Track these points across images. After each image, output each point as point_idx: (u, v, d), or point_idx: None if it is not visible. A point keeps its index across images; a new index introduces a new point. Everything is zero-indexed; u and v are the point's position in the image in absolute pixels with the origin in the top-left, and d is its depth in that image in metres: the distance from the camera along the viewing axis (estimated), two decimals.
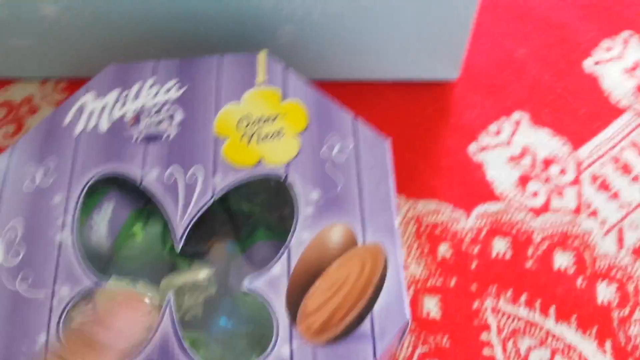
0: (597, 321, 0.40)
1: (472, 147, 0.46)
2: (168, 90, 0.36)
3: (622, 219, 0.44)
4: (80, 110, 0.36)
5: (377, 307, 0.29)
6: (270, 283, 0.30)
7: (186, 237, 0.32)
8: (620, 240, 0.43)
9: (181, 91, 0.36)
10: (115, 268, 0.34)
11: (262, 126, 0.35)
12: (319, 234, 0.31)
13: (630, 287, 0.41)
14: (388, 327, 0.29)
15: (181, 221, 0.32)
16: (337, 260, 0.30)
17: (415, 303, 0.41)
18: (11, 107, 0.49)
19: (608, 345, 0.40)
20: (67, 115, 0.36)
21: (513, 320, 0.40)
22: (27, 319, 0.30)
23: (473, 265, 0.42)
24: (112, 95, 0.36)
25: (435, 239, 0.43)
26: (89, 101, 0.36)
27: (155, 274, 0.34)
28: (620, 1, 0.52)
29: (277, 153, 0.34)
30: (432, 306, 0.41)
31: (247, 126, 0.35)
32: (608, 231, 0.43)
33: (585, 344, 0.40)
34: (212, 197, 0.33)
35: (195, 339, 0.32)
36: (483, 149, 0.46)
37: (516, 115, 0.48)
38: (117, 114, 0.36)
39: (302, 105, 0.35)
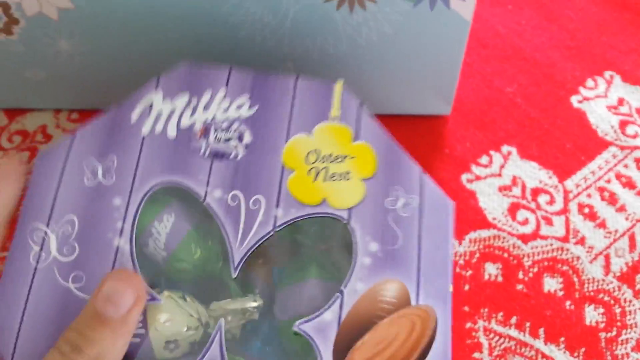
0: (585, 343, 0.42)
1: (465, 177, 0.49)
2: (239, 106, 0.35)
3: (608, 246, 0.46)
4: (148, 109, 0.35)
5: None
6: (319, 328, 0.30)
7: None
8: (607, 266, 0.45)
9: (253, 110, 0.35)
10: (167, 281, 0.34)
11: (330, 165, 0.34)
12: (375, 286, 0.31)
13: (617, 310, 0.43)
14: None
15: (240, 247, 0.32)
16: (389, 317, 0.30)
17: None
18: (26, 135, 0.51)
19: None
20: (134, 111, 0.35)
21: (504, 340, 0.42)
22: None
23: (466, 288, 0.44)
24: (182, 100, 0.35)
25: None
26: (157, 101, 0.35)
27: (205, 292, 0.35)
28: (602, 44, 0.55)
29: (342, 195, 0.33)
30: None
31: (315, 162, 0.34)
32: (595, 257, 0.45)
33: None
34: (272, 229, 0.32)
35: None
36: (475, 179, 0.49)
37: (505, 148, 0.50)
38: (186, 121, 0.35)
39: (373, 149, 0.35)
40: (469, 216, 0.47)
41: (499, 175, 0.49)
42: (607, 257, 0.45)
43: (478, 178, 0.49)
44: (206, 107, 0.35)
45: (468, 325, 0.42)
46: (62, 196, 0.33)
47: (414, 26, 0.44)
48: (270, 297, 0.36)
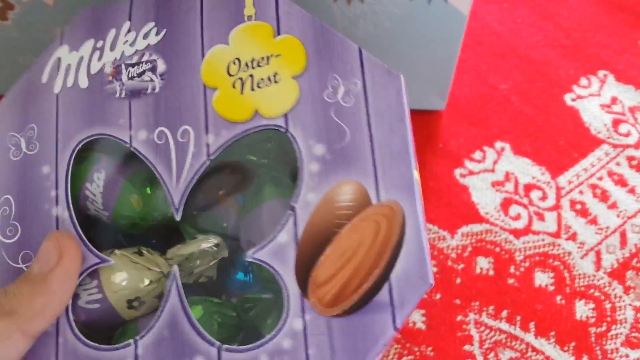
0: (575, 337, 0.42)
1: (458, 172, 0.49)
2: (146, 35, 0.32)
3: (600, 242, 0.46)
4: (57, 66, 0.33)
5: (395, 272, 0.26)
6: (276, 252, 0.28)
7: (192, 192, 0.30)
8: (598, 262, 0.45)
9: (160, 35, 0.32)
10: (126, 238, 0.34)
11: (255, 70, 0.30)
12: (327, 194, 0.28)
13: (607, 306, 0.43)
14: (409, 293, 0.26)
15: (177, 186, 0.30)
16: (349, 224, 0.27)
17: None
18: None
19: (585, 359, 0.41)
20: (43, 72, 0.33)
21: (495, 333, 0.42)
22: None
23: (457, 281, 0.44)
24: (87, 47, 0.33)
25: None
26: (63, 55, 0.33)
27: (164, 241, 0.33)
28: (596, 43, 0.55)
29: (274, 101, 0.30)
30: (417, 318, 0.42)
31: (237, 72, 0.30)
32: (586, 253, 0.45)
33: (564, 358, 0.41)
34: (207, 159, 0.30)
35: (207, 307, 0.31)
36: (468, 173, 0.49)
37: (499, 144, 0.50)
38: (95, 67, 0.32)
39: (299, 39, 0.31)
40: (462, 210, 0.47)
41: (492, 170, 0.49)
42: (598, 253, 0.45)
43: (471, 173, 0.49)
44: (112, 47, 0.33)
45: (459, 318, 0.42)
46: None
47: (411, 20, 0.44)
48: (239, 230, 0.33)
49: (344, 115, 0.29)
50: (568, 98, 0.53)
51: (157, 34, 0.33)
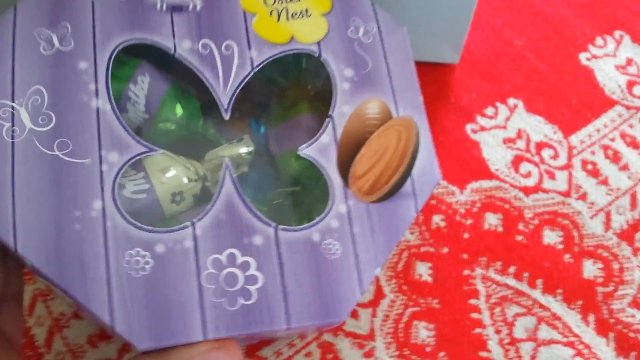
0: (581, 295, 0.42)
1: (469, 127, 0.48)
2: None
3: (610, 203, 0.45)
4: None
5: (414, 170, 0.33)
6: (321, 150, 0.33)
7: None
8: (607, 223, 0.45)
9: None
10: (153, 142, 0.34)
11: (289, 4, 0.35)
12: (358, 107, 0.34)
13: (615, 266, 0.43)
14: (425, 186, 0.33)
15: (225, 91, 0.33)
16: (377, 131, 0.34)
17: (408, 267, 0.42)
18: None
19: (591, 317, 0.41)
20: None
21: (501, 288, 0.42)
22: (75, 184, 0.30)
23: (465, 236, 0.43)
24: None
25: (430, 208, 0.44)
26: None
27: (191, 150, 0.35)
28: (614, 3, 0.54)
29: (307, 31, 0.35)
30: (424, 271, 0.42)
31: (273, 4, 0.35)
32: (596, 213, 0.45)
33: (570, 316, 0.41)
34: (252, 69, 0.33)
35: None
36: (480, 129, 0.48)
37: (512, 101, 0.49)
38: None
39: None
40: (472, 166, 0.46)
41: (504, 127, 0.48)
42: (607, 214, 0.45)
43: (483, 129, 0.48)
44: None
45: (466, 272, 0.42)
46: (20, 69, 0.32)
47: None
48: (260, 144, 0.38)
49: (365, 48, 0.35)
50: (583, 57, 0.52)
51: None
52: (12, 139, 0.30)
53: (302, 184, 0.37)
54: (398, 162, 0.33)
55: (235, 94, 0.33)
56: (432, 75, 0.50)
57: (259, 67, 0.34)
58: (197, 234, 0.30)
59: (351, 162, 0.33)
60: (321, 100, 0.37)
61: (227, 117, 0.33)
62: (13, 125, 0.31)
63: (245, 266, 0.30)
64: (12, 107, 0.31)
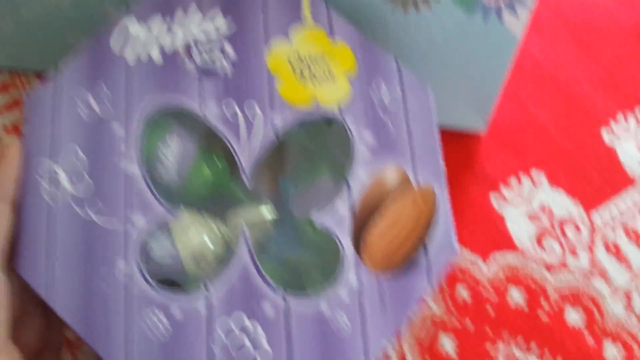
0: None
1: (494, 197, 0.48)
2: (213, 19, 0.35)
3: (631, 284, 0.45)
4: (126, 36, 0.35)
5: (430, 242, 0.33)
6: (335, 218, 0.33)
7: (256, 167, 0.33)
8: (629, 304, 0.44)
9: (228, 22, 0.35)
10: (182, 203, 0.35)
11: (313, 66, 0.35)
12: (377, 175, 0.33)
13: (636, 348, 0.42)
14: (440, 260, 0.32)
15: (247, 157, 0.33)
16: (394, 200, 0.33)
17: (434, 339, 0.41)
18: None
19: None
20: (112, 38, 0.35)
21: None
22: (103, 244, 0.31)
23: (489, 310, 0.43)
24: (156, 21, 0.35)
25: (455, 279, 0.44)
26: (131, 25, 0.35)
27: (220, 208, 0.36)
28: (636, 81, 0.55)
29: (330, 94, 0.34)
30: (448, 343, 0.41)
31: (298, 65, 0.35)
32: (618, 294, 0.44)
33: None
34: (274, 135, 0.33)
35: (265, 264, 0.33)
36: (504, 200, 0.48)
37: (535, 173, 0.49)
38: (167, 44, 0.35)
39: (349, 46, 0.36)
40: (496, 238, 0.46)
41: (528, 200, 0.48)
42: (628, 295, 0.45)
43: (507, 200, 0.48)
44: (182, 25, 0.35)
45: (487, 345, 0.41)
46: (60, 131, 0.33)
47: (464, 36, 0.43)
48: (278, 209, 0.37)
49: (387, 111, 0.35)
50: (605, 133, 0.52)
51: (224, 19, 0.35)
52: (50, 199, 0.32)
53: (319, 249, 0.37)
54: (413, 234, 0.32)
55: (258, 163, 0.33)
56: (457, 143, 0.50)
57: (282, 132, 0.34)
58: (211, 300, 0.31)
59: (366, 231, 0.32)
60: (343, 162, 0.37)
61: (249, 185, 0.33)
62: (51, 186, 0.32)
63: (254, 336, 0.31)
64: (52, 168, 0.32)
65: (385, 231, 0.32)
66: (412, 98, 0.35)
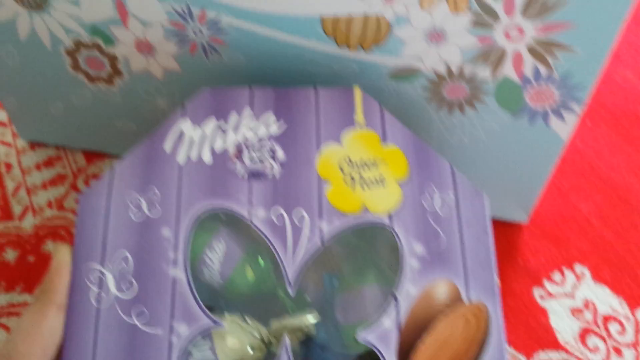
0: None
1: (537, 292, 0.48)
2: (267, 124, 0.36)
3: None
4: (179, 137, 0.35)
5: None
6: (380, 334, 0.31)
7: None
8: None
9: (280, 126, 0.36)
10: (226, 304, 0.36)
11: (364, 171, 0.34)
12: (427, 288, 0.32)
13: None
14: None
15: (291, 264, 0.33)
16: (445, 317, 0.32)
17: None
18: None
19: None
20: (166, 140, 0.35)
21: None
22: (147, 352, 0.31)
23: None
24: (210, 124, 0.36)
25: None
26: (186, 128, 0.36)
27: (262, 311, 0.36)
28: None
29: (380, 201, 0.34)
30: None
31: (349, 170, 0.34)
32: None
33: None
34: (321, 243, 0.33)
35: None
36: (547, 295, 0.48)
37: (578, 267, 0.49)
38: (218, 145, 0.35)
39: (402, 150, 0.35)
40: (540, 334, 0.46)
41: (572, 296, 0.48)
42: None
43: (550, 295, 0.48)
44: (235, 129, 0.36)
45: None
46: (111, 233, 0.33)
47: (509, 137, 0.44)
48: (321, 303, 0.37)
49: (440, 221, 0.34)
50: None
51: (276, 124, 0.36)
52: (98, 304, 0.32)
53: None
54: (463, 354, 0.31)
55: (303, 270, 0.33)
56: (500, 234, 0.50)
57: (328, 242, 0.33)
58: None
59: (413, 349, 0.31)
60: (391, 269, 0.36)
61: (292, 293, 0.33)
62: (100, 290, 0.32)
63: None
64: (101, 272, 0.33)
65: (433, 350, 0.31)
66: (466, 206, 0.34)
